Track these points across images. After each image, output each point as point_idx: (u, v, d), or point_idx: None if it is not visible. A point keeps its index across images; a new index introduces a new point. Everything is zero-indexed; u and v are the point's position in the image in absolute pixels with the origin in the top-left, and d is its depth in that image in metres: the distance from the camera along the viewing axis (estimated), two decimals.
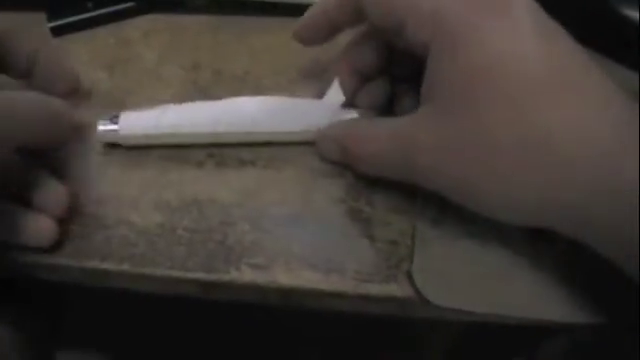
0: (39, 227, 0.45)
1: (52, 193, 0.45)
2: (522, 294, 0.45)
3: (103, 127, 0.49)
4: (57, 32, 0.57)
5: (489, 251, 0.46)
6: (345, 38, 0.51)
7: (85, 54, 0.56)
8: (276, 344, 0.62)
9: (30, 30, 0.50)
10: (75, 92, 0.51)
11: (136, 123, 0.49)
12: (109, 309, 0.65)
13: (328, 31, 0.48)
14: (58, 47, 0.52)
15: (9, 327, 0.55)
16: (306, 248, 0.46)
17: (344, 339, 0.59)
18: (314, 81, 0.55)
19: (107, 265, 0.46)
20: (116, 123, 0.49)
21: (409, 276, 0.44)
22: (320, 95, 0.52)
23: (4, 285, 0.49)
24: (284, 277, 0.45)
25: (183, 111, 0.49)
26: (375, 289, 0.45)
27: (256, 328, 0.59)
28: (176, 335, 0.67)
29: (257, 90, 0.53)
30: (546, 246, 0.45)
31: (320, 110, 0.49)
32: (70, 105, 0.47)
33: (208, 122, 0.49)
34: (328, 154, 0.48)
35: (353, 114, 0.49)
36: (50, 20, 0.57)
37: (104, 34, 0.58)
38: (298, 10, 0.56)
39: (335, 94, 0.49)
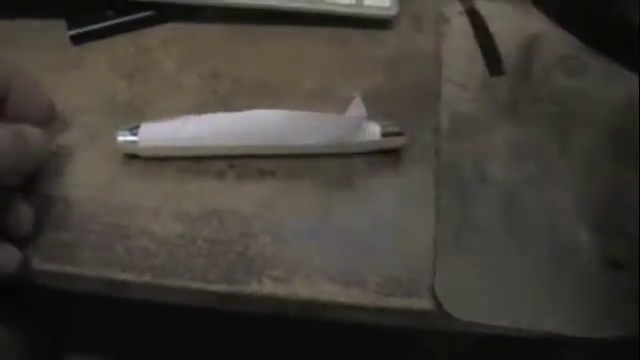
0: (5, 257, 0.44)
1: (20, 216, 0.45)
2: (543, 308, 0.45)
3: (123, 138, 0.49)
4: (77, 40, 0.57)
5: (510, 264, 0.46)
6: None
7: (105, 62, 0.56)
8: (285, 350, 0.62)
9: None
10: (51, 119, 0.51)
11: (156, 135, 0.49)
12: (117, 314, 0.64)
13: None
14: (30, 76, 0.51)
15: (6, 327, 0.55)
16: (326, 260, 0.46)
17: (356, 346, 0.58)
18: (332, 92, 0.55)
19: (128, 276, 0.46)
20: (136, 134, 0.49)
21: (431, 290, 0.44)
22: (338, 107, 0.52)
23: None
24: (304, 289, 0.45)
25: (203, 123, 0.49)
26: (396, 302, 0.45)
27: (267, 334, 0.58)
28: (183, 341, 0.67)
29: (275, 99, 0.54)
30: (569, 259, 0.45)
31: (342, 125, 0.49)
32: (43, 132, 0.46)
33: (228, 135, 0.49)
34: None
35: (376, 129, 0.49)
36: (70, 28, 0.57)
37: (124, 42, 0.58)
38: (310, 18, 0.56)
39: (357, 109, 0.49)
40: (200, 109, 0.52)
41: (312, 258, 0.46)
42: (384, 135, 0.49)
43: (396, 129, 0.49)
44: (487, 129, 0.52)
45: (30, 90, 0.49)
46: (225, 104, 0.54)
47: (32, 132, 0.44)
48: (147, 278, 0.46)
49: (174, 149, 0.49)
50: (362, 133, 0.49)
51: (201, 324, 0.53)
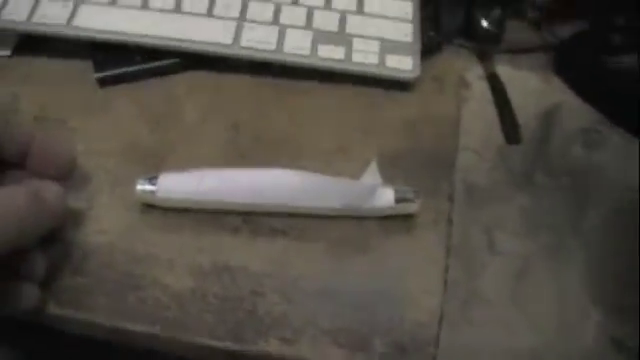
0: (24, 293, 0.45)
1: (35, 263, 0.45)
2: None
3: (141, 187, 0.50)
4: (103, 83, 0.58)
5: (519, 340, 0.46)
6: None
7: (129, 107, 0.58)
8: None
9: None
10: (72, 172, 0.50)
11: (174, 187, 0.50)
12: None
13: None
14: (51, 132, 0.52)
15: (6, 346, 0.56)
16: (334, 323, 0.47)
17: None
18: (350, 151, 0.56)
19: (139, 327, 0.47)
20: (154, 184, 0.50)
21: None
22: (355, 167, 0.53)
23: None
24: (310, 352, 0.46)
25: (222, 179, 0.50)
26: None
27: None
28: None
29: (294, 156, 0.55)
30: (576, 338, 0.46)
31: (357, 190, 0.49)
32: (62, 191, 0.45)
33: (246, 192, 0.50)
34: None
35: (390, 194, 0.50)
36: (97, 71, 0.59)
37: (149, 88, 0.59)
38: (335, 76, 0.57)
39: (372, 175, 0.50)
40: (220, 161, 0.54)
41: (320, 320, 0.47)
42: (397, 201, 0.50)
43: (410, 196, 0.50)
44: (501, 199, 0.53)
45: (51, 145, 0.49)
46: (244, 157, 0.55)
47: (50, 191, 0.44)
48: (157, 330, 0.46)
49: (191, 202, 0.50)
50: (376, 199, 0.50)
51: None
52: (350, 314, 0.47)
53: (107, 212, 0.51)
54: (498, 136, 0.57)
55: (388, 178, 0.51)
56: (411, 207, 0.50)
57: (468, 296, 0.48)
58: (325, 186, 0.50)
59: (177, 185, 0.50)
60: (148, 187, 0.50)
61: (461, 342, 0.46)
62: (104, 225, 0.51)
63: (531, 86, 0.61)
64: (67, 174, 0.49)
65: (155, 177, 0.50)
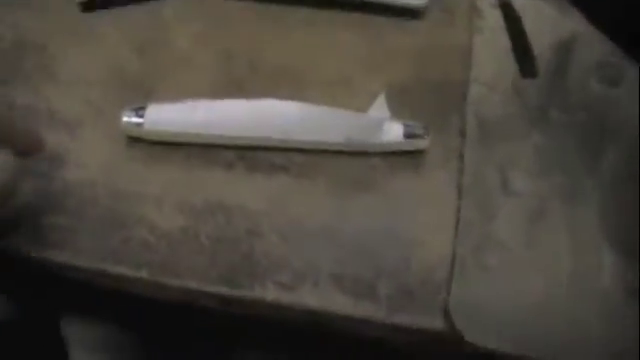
0: None
1: None
2: (561, 336, 0.42)
3: (127, 119, 0.46)
4: (87, 7, 0.54)
5: (532, 286, 0.43)
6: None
7: (115, 33, 0.53)
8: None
9: None
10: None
11: (163, 118, 0.46)
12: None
13: None
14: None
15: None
16: (336, 267, 0.43)
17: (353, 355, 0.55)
18: (354, 83, 0.51)
19: (124, 270, 0.43)
20: (141, 116, 0.46)
21: (445, 309, 0.41)
22: (360, 100, 0.49)
23: None
24: (311, 299, 0.42)
25: (215, 109, 0.46)
26: (407, 319, 0.42)
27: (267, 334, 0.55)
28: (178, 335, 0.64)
29: (294, 87, 0.50)
30: (590, 284, 0.43)
31: (363, 123, 0.45)
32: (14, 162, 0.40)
33: (241, 124, 0.46)
34: None
35: (398, 129, 0.46)
36: None
37: (136, 12, 0.55)
38: (339, 3, 0.53)
39: (380, 108, 0.45)
40: (213, 91, 0.50)
41: (322, 263, 0.43)
42: (406, 136, 0.46)
43: (419, 131, 0.46)
44: (515, 136, 0.49)
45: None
46: (240, 88, 0.50)
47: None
48: (143, 273, 0.43)
49: (181, 135, 0.46)
50: (383, 133, 0.46)
51: (196, 320, 0.50)
52: (354, 257, 0.44)
53: (89, 145, 0.47)
54: (511, 68, 0.53)
55: (395, 112, 0.48)
56: (421, 143, 0.47)
57: (481, 239, 0.44)
58: (328, 118, 0.46)
59: (166, 116, 0.46)
60: (134, 119, 0.46)
61: (473, 287, 0.42)
62: (86, 159, 0.47)
63: (546, 15, 0.57)
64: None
65: (142, 108, 0.46)
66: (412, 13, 0.55)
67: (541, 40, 0.55)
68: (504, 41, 0.55)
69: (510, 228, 0.45)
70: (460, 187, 0.47)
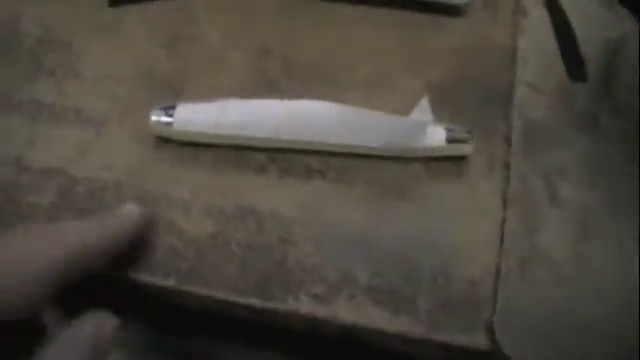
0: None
1: None
2: (611, 356, 0.39)
3: (156, 118, 0.44)
4: (113, 1, 0.51)
5: (580, 302, 0.40)
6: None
7: (143, 28, 0.51)
8: None
9: None
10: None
11: (193, 118, 0.44)
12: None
13: None
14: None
15: None
16: (373, 279, 0.41)
17: None
18: (392, 83, 0.49)
19: (150, 278, 0.41)
20: (171, 116, 0.44)
21: (489, 326, 0.38)
22: (397, 100, 0.47)
23: None
24: (347, 313, 0.40)
25: (247, 110, 0.44)
26: (448, 336, 0.39)
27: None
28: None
29: (330, 86, 0.48)
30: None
31: (403, 126, 0.43)
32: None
33: (275, 126, 0.43)
34: None
35: (441, 133, 0.43)
36: None
37: (165, 7, 0.52)
38: (384, 1, 0.50)
39: (422, 112, 0.43)
40: (245, 90, 0.47)
41: (358, 275, 0.41)
42: (449, 141, 0.44)
43: (463, 135, 0.44)
44: (563, 142, 0.46)
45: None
46: (273, 87, 0.48)
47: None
48: (171, 282, 0.40)
49: (212, 136, 0.44)
50: (425, 137, 0.43)
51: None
52: (392, 268, 0.41)
53: (115, 145, 0.45)
54: (559, 70, 0.50)
55: (435, 115, 0.45)
56: (464, 148, 0.44)
57: (527, 252, 0.41)
58: (367, 120, 0.44)
59: (196, 116, 0.44)
60: (164, 118, 0.44)
61: (518, 303, 0.40)
62: (111, 159, 0.45)
63: (594, 14, 0.54)
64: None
65: (172, 107, 0.44)
66: (453, 11, 0.52)
67: (589, 41, 0.52)
68: (550, 41, 0.52)
69: (557, 241, 0.43)
70: (505, 197, 0.44)
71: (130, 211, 0.40)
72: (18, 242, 0.34)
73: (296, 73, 0.49)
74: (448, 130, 0.44)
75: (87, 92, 0.48)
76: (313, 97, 0.45)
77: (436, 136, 0.43)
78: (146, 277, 0.41)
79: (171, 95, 0.47)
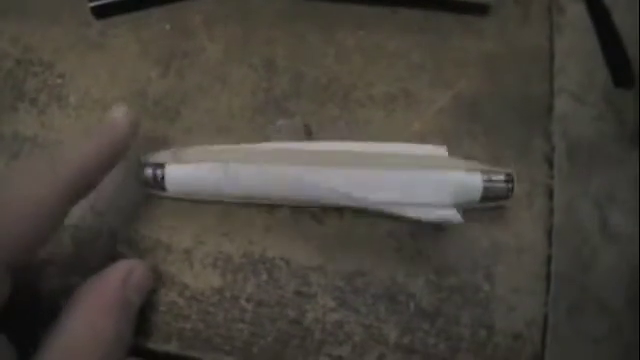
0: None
1: None
2: None
3: (146, 173, 0.38)
4: (100, 13, 0.45)
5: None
6: None
7: (134, 44, 0.45)
8: None
9: None
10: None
11: (186, 182, 0.38)
12: None
13: None
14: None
15: None
16: (404, 336, 0.36)
17: None
18: (413, 96, 0.43)
19: (148, 343, 0.36)
20: (162, 176, 0.38)
21: None
22: (422, 123, 0.41)
23: None
24: None
25: (248, 175, 0.37)
26: None
27: None
28: None
29: (345, 105, 0.43)
30: None
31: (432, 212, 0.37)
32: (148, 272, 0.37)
33: (280, 194, 0.38)
34: None
35: (476, 184, 0.37)
36: None
37: (158, 19, 0.46)
38: (400, 0, 0.44)
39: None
40: (250, 112, 0.43)
41: (387, 332, 0.36)
42: (485, 199, 0.38)
43: (504, 186, 0.37)
44: (612, 160, 0.41)
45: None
46: (281, 108, 0.43)
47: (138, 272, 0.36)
48: (173, 347, 0.35)
49: (212, 197, 0.39)
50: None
51: None
52: (423, 323, 0.36)
53: (105, 187, 0.39)
54: (602, 75, 0.44)
55: (464, 133, 0.41)
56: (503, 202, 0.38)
57: (578, 298, 0.36)
58: (388, 184, 0.37)
59: (190, 180, 0.38)
60: (155, 175, 0.38)
61: (570, 357, 0.34)
62: (103, 203, 0.40)
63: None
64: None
65: (161, 165, 0.38)
66: (481, 9, 0.46)
67: (636, 40, 0.46)
68: (592, 42, 0.46)
69: (612, 282, 0.37)
70: (550, 231, 0.38)
71: (120, 116, 0.37)
72: (15, 177, 0.33)
73: (305, 90, 0.43)
74: (486, 179, 0.38)
75: (72, 122, 0.43)
76: (325, 115, 0.41)
77: (470, 191, 0.37)
78: (144, 342, 0.36)
79: (166, 122, 0.42)
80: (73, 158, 0.33)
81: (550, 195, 0.40)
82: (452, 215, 0.36)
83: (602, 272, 0.37)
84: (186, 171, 0.38)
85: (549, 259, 0.38)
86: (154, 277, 0.37)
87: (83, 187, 0.33)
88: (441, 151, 0.39)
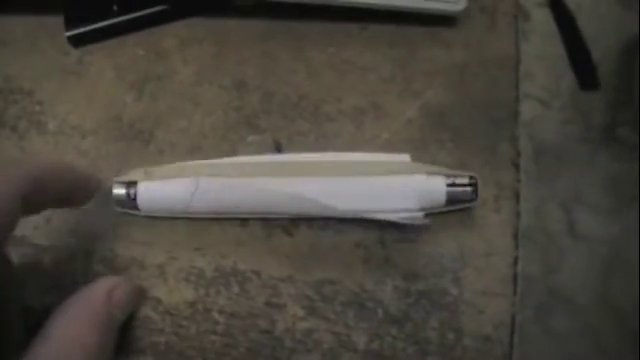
0: None
1: None
2: None
3: (118, 191, 0.39)
4: (77, 42, 0.47)
5: (613, 354, 0.35)
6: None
7: (110, 70, 0.46)
8: None
9: None
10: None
11: (158, 200, 0.39)
12: None
13: None
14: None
15: None
16: (372, 343, 0.36)
17: None
18: (383, 108, 0.45)
19: (124, 358, 0.36)
20: (134, 195, 0.39)
21: None
22: (391, 133, 0.42)
23: None
24: None
25: (219, 191, 0.38)
26: None
27: None
28: None
29: (314, 120, 0.44)
30: None
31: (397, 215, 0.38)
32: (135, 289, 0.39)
33: (254, 206, 0.39)
34: None
35: (439, 187, 0.38)
36: (68, 28, 0.47)
37: (132, 44, 0.48)
38: (362, 14, 0.45)
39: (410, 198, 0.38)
40: (222, 131, 0.44)
41: (356, 338, 0.37)
42: (450, 203, 0.39)
43: (468, 189, 0.38)
44: (578, 163, 0.41)
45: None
46: (252, 125, 0.44)
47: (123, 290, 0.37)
48: None
49: (183, 213, 0.40)
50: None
51: None
52: (392, 329, 0.37)
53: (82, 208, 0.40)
54: (568, 79, 0.45)
55: (433, 138, 0.42)
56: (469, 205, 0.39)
57: (544, 297, 0.36)
58: (357, 193, 0.39)
59: (162, 199, 0.39)
60: (126, 194, 0.39)
61: (538, 358, 0.35)
62: (76, 223, 0.41)
63: (605, 13, 0.48)
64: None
65: (133, 184, 0.39)
66: (448, 20, 0.47)
67: (602, 43, 0.46)
68: (557, 47, 0.47)
69: (580, 282, 0.37)
70: (517, 234, 0.39)
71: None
72: None
73: (276, 107, 0.44)
74: (449, 183, 0.38)
75: (51, 148, 0.44)
76: (296, 132, 0.42)
77: (434, 193, 0.38)
78: (118, 356, 0.36)
79: (141, 143, 0.43)
80: (27, 163, 0.34)
81: (517, 198, 0.40)
82: (417, 217, 0.36)
83: (569, 272, 0.38)
84: (158, 187, 0.38)
85: (516, 261, 0.38)
86: (139, 295, 0.38)
87: (32, 194, 0.33)
88: (404, 158, 0.39)
